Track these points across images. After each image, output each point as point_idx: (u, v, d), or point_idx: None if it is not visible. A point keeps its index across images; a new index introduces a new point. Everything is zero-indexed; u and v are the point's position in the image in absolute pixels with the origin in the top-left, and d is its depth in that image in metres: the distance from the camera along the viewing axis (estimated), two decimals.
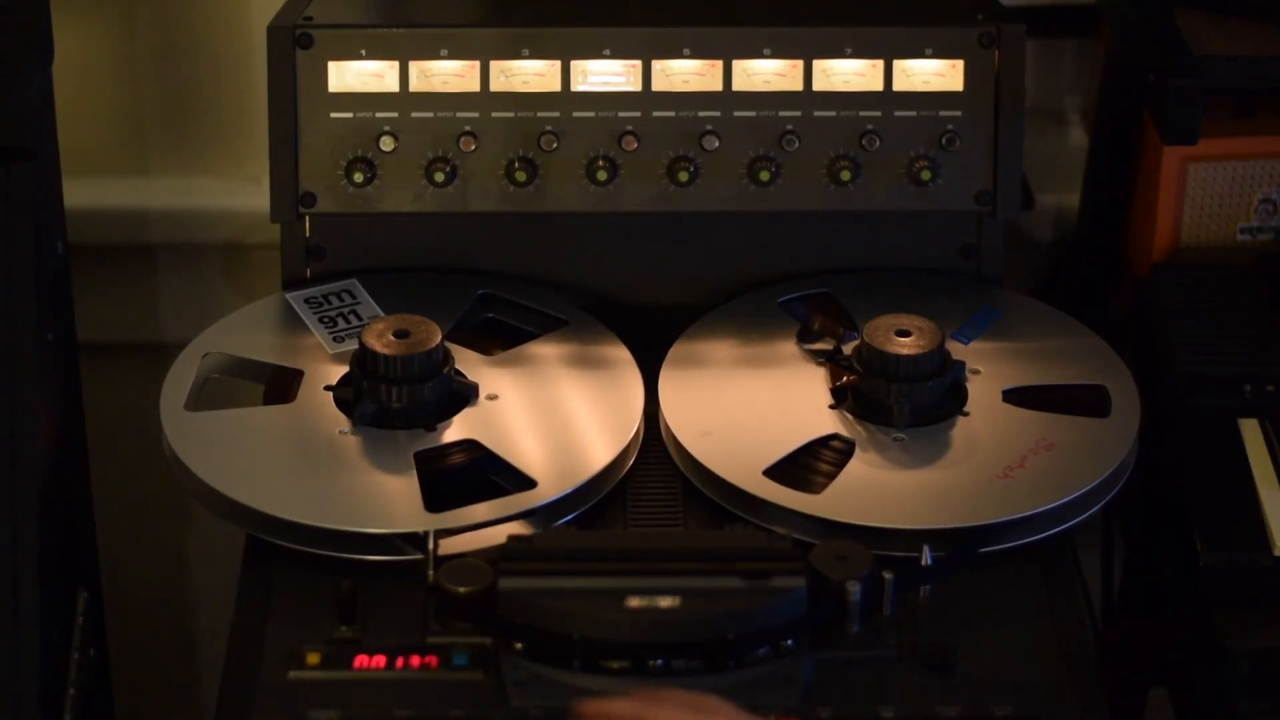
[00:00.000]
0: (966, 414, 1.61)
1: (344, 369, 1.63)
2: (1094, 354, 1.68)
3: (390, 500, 1.53)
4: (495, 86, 1.73)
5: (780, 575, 1.43)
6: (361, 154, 1.73)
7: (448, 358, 1.62)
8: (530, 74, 1.73)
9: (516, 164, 1.73)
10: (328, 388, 1.63)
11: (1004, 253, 1.77)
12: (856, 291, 1.74)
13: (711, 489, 1.57)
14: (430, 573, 1.46)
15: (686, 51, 1.73)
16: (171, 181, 2.06)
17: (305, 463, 1.56)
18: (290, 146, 1.73)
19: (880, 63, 1.74)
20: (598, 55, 1.73)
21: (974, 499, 1.53)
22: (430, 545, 1.47)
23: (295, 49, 1.72)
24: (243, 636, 1.46)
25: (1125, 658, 1.78)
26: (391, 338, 1.60)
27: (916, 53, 1.74)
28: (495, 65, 1.73)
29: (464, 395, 1.63)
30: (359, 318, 1.70)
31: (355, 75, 1.73)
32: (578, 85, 1.73)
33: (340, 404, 1.61)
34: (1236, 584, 1.54)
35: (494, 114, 1.73)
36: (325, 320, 1.70)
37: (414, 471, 1.55)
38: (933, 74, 1.74)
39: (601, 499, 1.57)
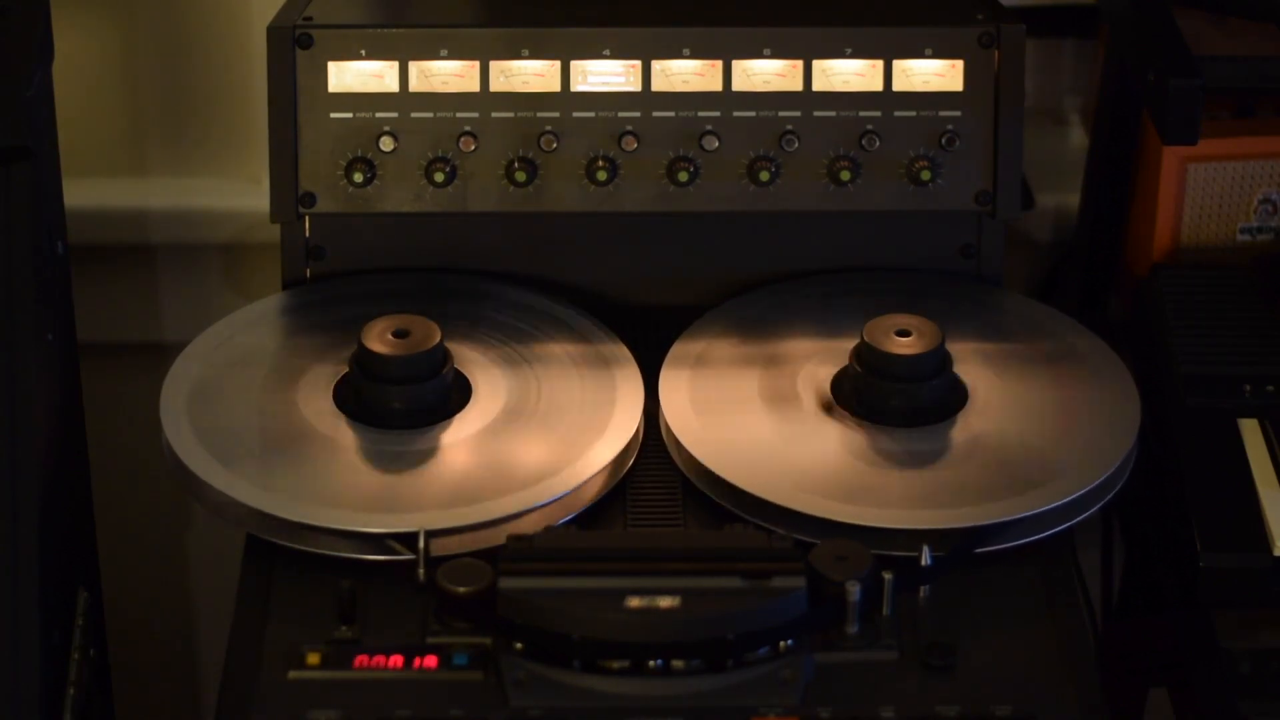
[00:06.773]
0: (966, 414, 1.61)
1: (344, 369, 1.63)
2: (1094, 354, 1.68)
3: (390, 500, 1.53)
4: (495, 87, 1.73)
5: (780, 575, 1.43)
6: (361, 154, 1.73)
7: (448, 358, 1.62)
8: (530, 74, 1.73)
9: (516, 164, 1.73)
10: (328, 387, 1.63)
11: (1004, 253, 1.77)
12: (856, 291, 1.74)
13: (711, 489, 1.57)
14: (420, 571, 1.46)
15: (686, 51, 1.73)
16: (171, 181, 2.06)
17: (305, 462, 1.56)
18: (290, 146, 1.73)
19: (880, 63, 1.74)
20: (598, 55, 1.73)
21: (974, 499, 1.53)
22: (421, 545, 1.47)
23: (295, 49, 1.72)
24: (243, 636, 1.46)
25: (1125, 658, 1.78)
26: (391, 338, 1.60)
27: (916, 53, 1.74)
28: (495, 65, 1.73)
29: (464, 395, 1.63)
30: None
31: (355, 75, 1.73)
32: (578, 85, 1.73)
33: (340, 404, 1.62)
34: (1236, 584, 1.54)
35: (494, 114, 1.73)
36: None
37: (414, 471, 1.56)
38: (932, 74, 1.74)
39: (601, 499, 1.57)
